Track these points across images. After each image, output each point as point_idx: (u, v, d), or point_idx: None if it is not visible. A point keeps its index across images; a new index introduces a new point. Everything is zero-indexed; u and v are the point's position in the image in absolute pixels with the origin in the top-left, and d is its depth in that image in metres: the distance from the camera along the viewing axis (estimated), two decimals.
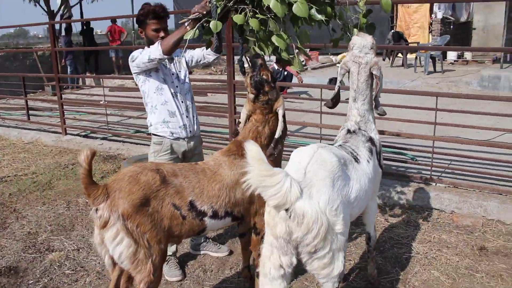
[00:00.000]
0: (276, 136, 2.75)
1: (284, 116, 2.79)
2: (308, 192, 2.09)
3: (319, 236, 2.08)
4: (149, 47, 3.20)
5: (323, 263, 2.18)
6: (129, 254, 2.30)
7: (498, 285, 3.19)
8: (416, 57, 12.54)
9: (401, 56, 14.13)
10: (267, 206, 2.15)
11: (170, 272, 3.38)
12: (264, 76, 2.68)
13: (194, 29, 2.73)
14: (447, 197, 4.48)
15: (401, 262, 3.54)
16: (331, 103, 2.99)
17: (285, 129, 2.79)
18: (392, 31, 13.79)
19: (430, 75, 11.65)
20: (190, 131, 3.36)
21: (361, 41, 2.83)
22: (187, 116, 3.34)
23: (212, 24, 2.63)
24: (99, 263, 3.62)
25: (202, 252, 3.72)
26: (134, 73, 3.27)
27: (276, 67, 10.22)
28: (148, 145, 6.68)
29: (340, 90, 2.96)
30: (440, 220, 4.27)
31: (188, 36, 2.74)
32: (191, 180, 2.54)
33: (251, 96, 2.75)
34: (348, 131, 2.82)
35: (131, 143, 7.04)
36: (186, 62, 3.39)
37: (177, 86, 3.32)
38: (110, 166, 5.96)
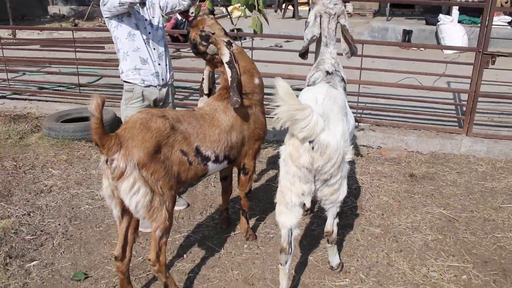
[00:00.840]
0: (229, 83, 2.76)
1: (230, 62, 2.74)
2: (327, 125, 2.27)
3: (336, 164, 2.30)
4: None
5: (333, 189, 2.41)
6: (146, 203, 2.27)
7: (433, 201, 3.79)
8: (309, 9, 13.11)
9: (292, 8, 14.61)
10: (290, 139, 2.29)
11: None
12: (193, 40, 2.81)
13: None
14: (373, 135, 5.03)
15: (353, 192, 3.97)
16: (304, 51, 3.17)
17: (234, 73, 2.73)
18: None
19: None
20: (163, 79, 3.26)
21: None
22: (159, 64, 3.23)
23: None
24: (59, 224, 3.43)
25: None
26: (106, 17, 3.06)
27: (180, 18, 9.96)
28: (58, 102, 6.29)
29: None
30: (371, 155, 4.80)
31: None
32: (194, 126, 2.54)
33: (200, 56, 2.90)
34: (327, 73, 3.03)
35: (38, 100, 6.41)
36: (161, 8, 3.22)
37: (149, 33, 3.17)
38: (25, 126, 5.42)
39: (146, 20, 3.16)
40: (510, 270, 2.90)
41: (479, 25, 9.92)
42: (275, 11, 14.76)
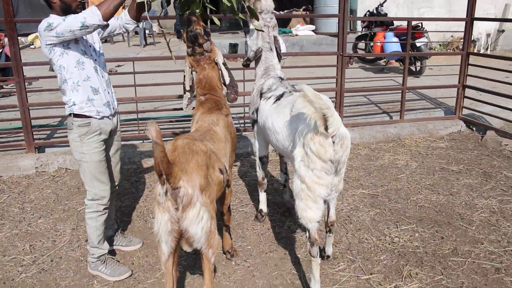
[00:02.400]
0: (227, 82, 2.99)
1: (225, 64, 3.01)
2: None
3: (348, 153, 2.59)
4: (63, 15, 2.66)
5: (340, 178, 2.68)
6: (207, 229, 2.16)
7: (350, 185, 4.38)
8: (128, 33, 12.86)
9: None
10: (314, 138, 2.46)
11: (118, 271, 3.02)
12: (197, 30, 2.83)
13: None
14: None
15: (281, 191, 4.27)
16: (249, 62, 3.39)
17: (231, 73, 3.02)
18: None
19: (147, 47, 12.29)
20: (113, 108, 2.99)
21: (266, 6, 3.34)
22: (108, 92, 2.95)
23: None
24: None
25: (114, 247, 3.38)
26: (50, 43, 2.65)
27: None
28: None
29: None
30: (273, 159, 5.17)
31: None
32: (212, 143, 2.50)
33: (188, 49, 2.89)
34: (281, 78, 3.33)
35: None
36: (97, 32, 2.93)
37: (95, 60, 2.86)
38: None
39: (90, 46, 2.86)
40: (439, 221, 3.65)
41: (289, 34, 11.52)
42: None
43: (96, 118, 2.87)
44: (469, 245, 3.28)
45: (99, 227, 2.98)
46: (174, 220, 2.10)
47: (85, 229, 3.58)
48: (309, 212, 2.62)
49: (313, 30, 11.48)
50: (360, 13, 11.20)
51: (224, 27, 15.06)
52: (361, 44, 9.77)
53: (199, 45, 2.81)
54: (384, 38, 8.56)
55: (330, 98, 6.19)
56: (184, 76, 2.98)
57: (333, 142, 2.51)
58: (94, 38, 2.95)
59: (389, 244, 3.33)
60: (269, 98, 3.26)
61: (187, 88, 2.98)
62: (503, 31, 11.24)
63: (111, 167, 3.13)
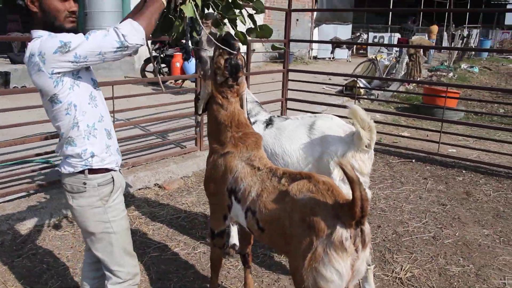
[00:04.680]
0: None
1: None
2: None
3: None
4: (42, 28, 1.97)
5: None
6: None
7: None
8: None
9: None
10: (356, 156, 2.68)
11: None
12: (239, 61, 2.49)
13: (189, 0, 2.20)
14: (143, 175, 4.96)
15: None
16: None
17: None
18: None
19: None
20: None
21: None
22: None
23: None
24: None
25: None
26: (59, 72, 1.88)
27: None
28: None
29: None
30: (160, 193, 4.78)
31: (189, 11, 2.19)
32: None
33: (220, 79, 2.49)
34: (257, 103, 3.33)
35: None
36: None
37: (99, 92, 2.19)
38: None
39: (93, 73, 2.19)
40: None
41: None
42: None
43: (115, 170, 2.20)
44: (400, 226, 4.03)
45: None
46: (353, 263, 1.92)
47: None
48: None
49: None
50: None
51: None
52: (149, 67, 9.74)
53: (236, 79, 2.47)
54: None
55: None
56: (198, 98, 2.58)
57: (367, 155, 2.79)
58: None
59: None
60: (253, 123, 3.18)
61: (200, 112, 2.60)
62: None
63: None
